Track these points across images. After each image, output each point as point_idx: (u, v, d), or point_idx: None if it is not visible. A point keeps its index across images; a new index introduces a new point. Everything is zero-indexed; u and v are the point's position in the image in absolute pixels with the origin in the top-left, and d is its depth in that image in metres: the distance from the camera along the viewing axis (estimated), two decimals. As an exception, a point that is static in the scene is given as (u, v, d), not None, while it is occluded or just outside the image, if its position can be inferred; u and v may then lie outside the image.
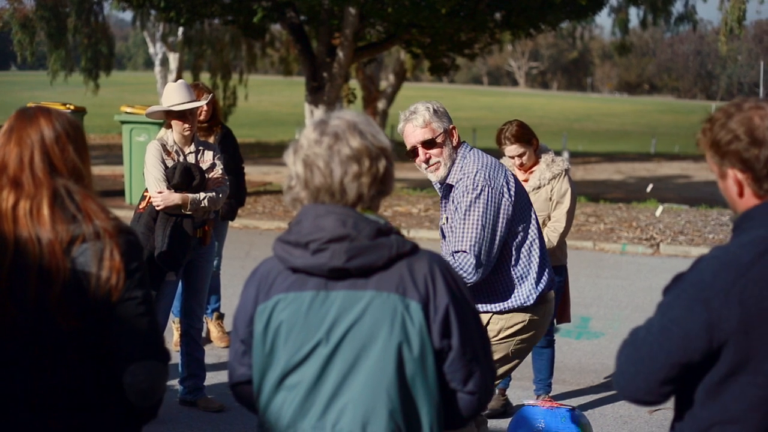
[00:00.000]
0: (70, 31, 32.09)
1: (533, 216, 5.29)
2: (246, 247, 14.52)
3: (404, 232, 16.27)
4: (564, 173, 7.34)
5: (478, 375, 3.03)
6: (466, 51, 23.57)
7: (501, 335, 5.23)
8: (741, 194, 2.93)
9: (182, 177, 7.05)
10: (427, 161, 5.20)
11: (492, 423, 7.41)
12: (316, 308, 2.95)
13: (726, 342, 2.79)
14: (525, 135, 7.27)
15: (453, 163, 5.22)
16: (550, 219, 7.32)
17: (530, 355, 7.85)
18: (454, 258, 5.02)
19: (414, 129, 5.19)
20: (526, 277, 5.21)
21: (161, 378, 3.17)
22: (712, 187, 25.24)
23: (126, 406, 3.19)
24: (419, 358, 2.92)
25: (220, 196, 7.30)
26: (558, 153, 7.53)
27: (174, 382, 7.70)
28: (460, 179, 5.13)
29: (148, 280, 3.23)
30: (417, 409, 2.93)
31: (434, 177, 5.25)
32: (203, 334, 8.41)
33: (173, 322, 8.88)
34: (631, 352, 2.95)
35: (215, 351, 8.98)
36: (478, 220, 5.03)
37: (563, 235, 7.31)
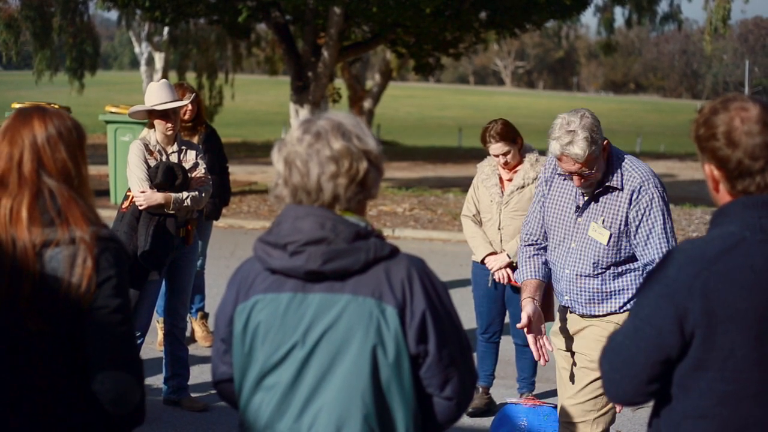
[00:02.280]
0: (55, 31, 31.99)
1: None
2: (231, 246, 14.51)
3: (388, 231, 16.28)
4: None
5: (456, 381, 3.00)
6: (451, 50, 23.60)
7: None
8: (717, 189, 2.99)
9: (165, 176, 7.05)
10: (580, 186, 5.15)
11: (475, 421, 7.44)
12: (293, 310, 2.94)
13: (693, 335, 2.83)
14: (509, 134, 7.25)
15: (606, 167, 5.15)
16: None
17: (513, 353, 7.87)
18: None
19: (573, 161, 5.02)
20: None
21: (130, 389, 3.15)
22: (697, 186, 25.24)
23: (107, 411, 3.19)
24: (394, 364, 2.90)
25: (203, 195, 7.29)
26: (542, 153, 7.53)
27: (157, 381, 7.70)
28: (641, 187, 5.09)
29: (126, 289, 3.21)
30: (392, 415, 2.92)
31: (588, 190, 5.18)
32: (187, 334, 8.40)
33: (157, 321, 8.87)
34: (612, 358, 2.99)
35: (199, 350, 8.98)
36: (670, 226, 5.10)
37: None
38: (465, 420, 7.43)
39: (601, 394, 5.23)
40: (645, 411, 7.16)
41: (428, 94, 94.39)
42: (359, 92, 36.22)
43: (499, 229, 7.40)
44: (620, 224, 5.13)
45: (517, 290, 7.34)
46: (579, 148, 4.97)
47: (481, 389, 7.72)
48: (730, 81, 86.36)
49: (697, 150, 3.01)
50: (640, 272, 5.21)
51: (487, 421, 7.22)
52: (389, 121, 54.25)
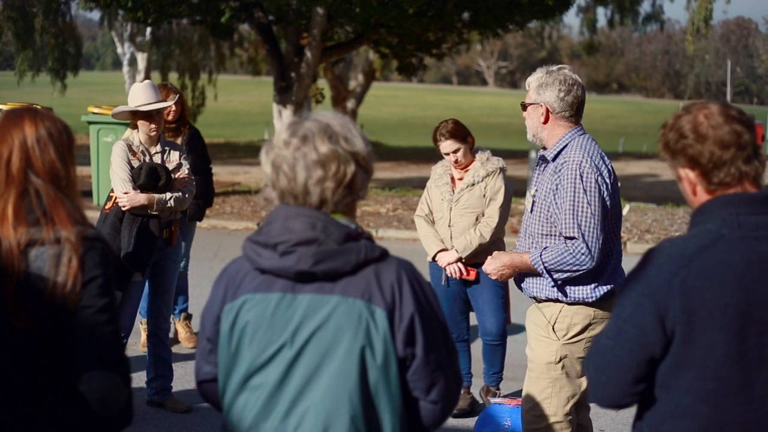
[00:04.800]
0: (37, 32, 31.89)
1: (618, 212, 5.29)
2: (214, 247, 14.49)
3: (372, 231, 16.28)
4: (499, 171, 7.40)
5: (442, 384, 3.01)
6: (434, 51, 23.60)
7: (570, 334, 5.22)
8: (694, 192, 3.04)
9: (148, 177, 7.04)
10: (525, 116, 5.36)
11: (459, 421, 7.45)
12: (282, 310, 2.94)
13: (674, 332, 2.86)
14: (460, 132, 7.34)
15: (549, 137, 5.25)
16: (483, 215, 7.38)
17: (481, 350, 7.89)
18: (566, 245, 5.05)
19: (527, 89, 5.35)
20: (601, 271, 5.18)
21: (116, 389, 3.15)
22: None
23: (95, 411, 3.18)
24: (382, 366, 2.91)
25: (187, 196, 7.28)
26: (494, 153, 7.58)
27: (141, 382, 7.68)
28: (564, 162, 5.12)
29: (112, 289, 3.21)
30: (379, 416, 2.93)
31: (529, 136, 5.38)
32: (170, 335, 8.39)
33: (140, 322, 8.86)
34: (597, 361, 3.02)
35: (183, 352, 8.96)
36: (587, 206, 5.03)
37: (497, 232, 7.35)
38: (449, 420, 7.43)
39: (546, 398, 5.26)
40: (628, 411, 7.13)
41: (411, 95, 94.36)
42: (342, 93, 36.24)
43: (449, 226, 7.47)
44: (543, 193, 5.20)
45: (467, 283, 7.42)
46: (533, 79, 5.30)
47: (462, 389, 7.72)
48: (712, 81, 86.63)
49: (669, 158, 3.09)
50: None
51: (471, 421, 7.23)
52: (372, 122, 54.22)
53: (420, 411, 3.05)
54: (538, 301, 5.32)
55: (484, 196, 7.35)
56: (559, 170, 5.13)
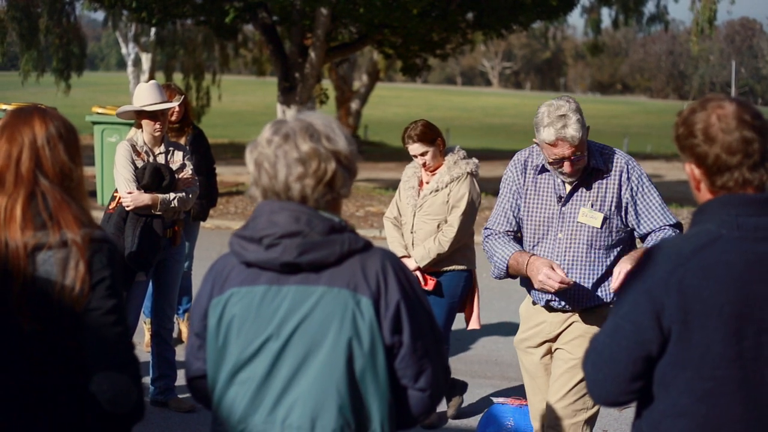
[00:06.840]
0: (41, 32, 31.86)
1: None
2: (218, 247, 14.42)
3: (375, 232, 16.29)
4: (465, 176, 7.14)
5: (430, 372, 3.04)
6: (438, 51, 23.66)
7: None
8: (698, 188, 3.05)
9: (152, 177, 7.05)
10: (572, 172, 5.11)
11: (462, 422, 7.45)
12: (267, 302, 2.97)
13: (670, 331, 2.87)
14: (428, 135, 7.13)
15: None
16: (446, 223, 7.16)
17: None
18: (673, 232, 5.19)
19: (569, 145, 4.98)
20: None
21: (126, 389, 3.15)
22: (684, 186, 25.35)
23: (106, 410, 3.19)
24: (369, 354, 2.93)
25: (190, 196, 7.30)
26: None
27: (145, 382, 7.70)
28: (626, 166, 5.17)
29: (120, 289, 3.22)
30: (367, 405, 2.96)
31: (574, 177, 5.16)
32: (174, 335, 8.40)
33: (144, 322, 8.87)
34: (594, 358, 3.04)
35: (186, 351, 8.95)
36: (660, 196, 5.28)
37: (458, 240, 7.11)
38: (451, 421, 7.44)
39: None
40: (631, 411, 7.13)
41: (415, 95, 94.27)
42: (346, 93, 36.30)
43: (411, 232, 7.29)
44: (611, 205, 5.14)
45: (426, 292, 7.24)
46: (574, 130, 4.97)
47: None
48: (716, 82, 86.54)
49: (678, 150, 3.09)
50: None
51: (473, 421, 7.23)
52: (376, 122, 54.19)
53: (408, 399, 3.07)
54: (590, 307, 5.26)
55: (447, 202, 7.14)
56: (627, 176, 5.18)
